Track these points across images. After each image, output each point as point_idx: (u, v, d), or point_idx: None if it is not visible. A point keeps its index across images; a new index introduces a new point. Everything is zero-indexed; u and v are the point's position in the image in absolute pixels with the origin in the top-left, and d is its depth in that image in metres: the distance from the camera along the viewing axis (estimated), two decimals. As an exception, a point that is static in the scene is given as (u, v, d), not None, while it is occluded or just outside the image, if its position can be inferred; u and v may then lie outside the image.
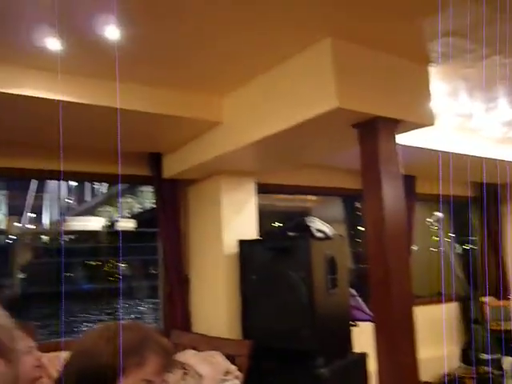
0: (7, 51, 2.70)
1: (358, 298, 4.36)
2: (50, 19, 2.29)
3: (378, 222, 2.81)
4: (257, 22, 2.51)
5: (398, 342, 2.80)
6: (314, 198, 6.85)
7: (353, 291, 4.18)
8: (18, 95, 2.87)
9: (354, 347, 3.80)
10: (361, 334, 3.93)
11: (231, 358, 3.51)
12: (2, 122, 3.25)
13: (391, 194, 2.82)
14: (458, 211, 6.27)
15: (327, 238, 3.71)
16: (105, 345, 1.07)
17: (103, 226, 9.89)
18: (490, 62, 3.05)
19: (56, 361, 2.22)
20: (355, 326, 3.94)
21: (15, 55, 2.75)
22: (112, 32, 2.48)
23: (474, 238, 6.68)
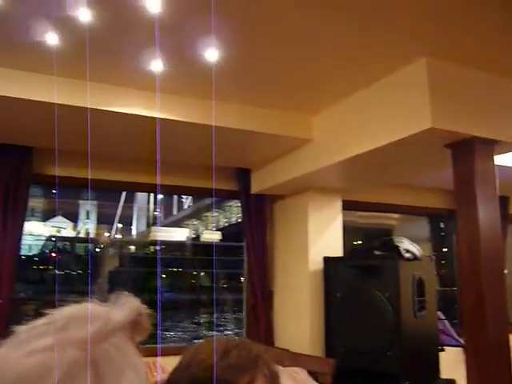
0: (113, 73, 2.88)
1: (446, 322, 4.22)
2: (153, 43, 2.42)
3: (473, 245, 2.72)
4: (351, 42, 2.53)
5: (491, 370, 2.68)
6: (396, 216, 6.72)
7: (440, 314, 4.06)
8: (120, 113, 3.06)
9: (441, 373, 3.68)
10: (447, 359, 3.81)
11: (314, 376, 3.49)
12: (98, 137, 3.43)
13: (487, 216, 2.73)
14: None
15: (415, 258, 3.63)
16: (219, 359, 1.10)
17: (187, 238, 10.16)
18: None
19: (152, 366, 2.31)
20: (442, 350, 3.82)
21: (119, 76, 2.92)
22: (210, 54, 2.58)
23: None
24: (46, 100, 2.83)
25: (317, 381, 3.44)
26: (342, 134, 3.33)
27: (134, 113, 3.07)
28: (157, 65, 2.71)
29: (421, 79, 2.67)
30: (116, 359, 0.52)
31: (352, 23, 2.36)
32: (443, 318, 4.22)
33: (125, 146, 3.78)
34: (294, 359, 3.70)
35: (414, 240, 3.83)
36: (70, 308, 0.61)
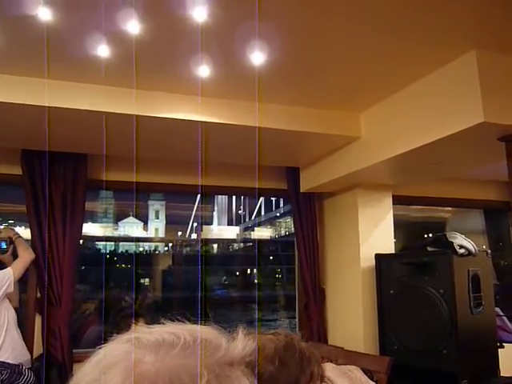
0: (161, 80, 2.95)
1: (504, 318, 4.12)
2: (198, 49, 2.47)
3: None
4: (399, 37, 2.50)
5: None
6: (449, 208, 6.58)
7: (498, 310, 3.96)
8: (170, 119, 3.12)
9: (501, 370, 3.59)
10: (507, 356, 3.72)
11: (369, 374, 3.47)
12: (149, 143, 3.53)
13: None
14: None
15: (470, 254, 3.55)
16: (278, 369, 1.15)
17: (237, 235, 10.30)
18: None
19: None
20: (502, 347, 3.74)
21: (167, 83, 2.99)
22: (256, 57, 2.60)
23: None
24: (97, 109, 2.94)
25: (372, 379, 3.42)
26: (390, 131, 3.30)
27: (180, 118, 3.12)
28: (203, 70, 2.75)
29: (471, 72, 2.62)
30: None
31: (401, 18, 2.32)
32: (501, 313, 4.12)
33: (178, 150, 3.85)
34: (349, 357, 3.68)
35: (468, 232, 3.75)
36: (195, 328, 0.62)
